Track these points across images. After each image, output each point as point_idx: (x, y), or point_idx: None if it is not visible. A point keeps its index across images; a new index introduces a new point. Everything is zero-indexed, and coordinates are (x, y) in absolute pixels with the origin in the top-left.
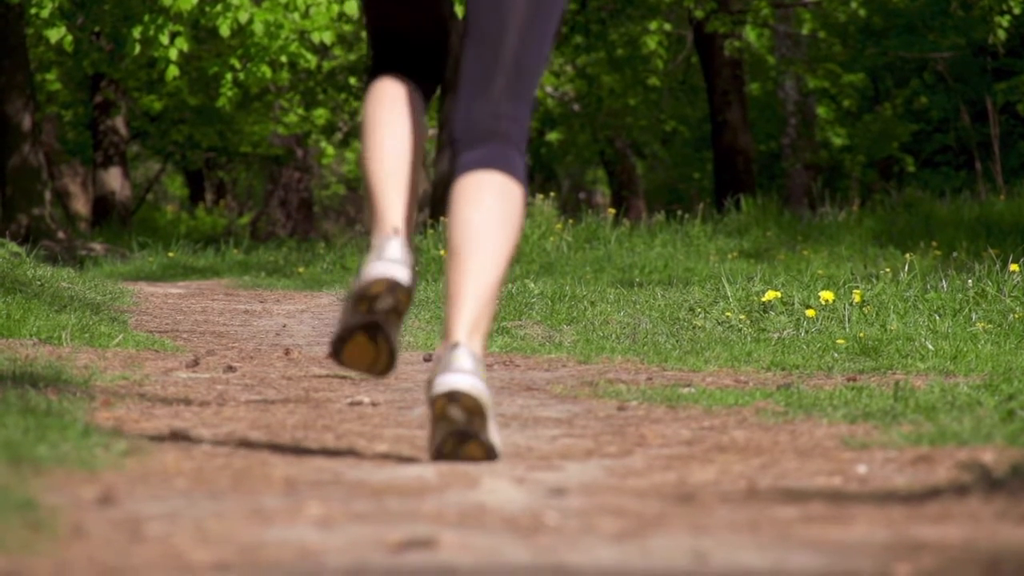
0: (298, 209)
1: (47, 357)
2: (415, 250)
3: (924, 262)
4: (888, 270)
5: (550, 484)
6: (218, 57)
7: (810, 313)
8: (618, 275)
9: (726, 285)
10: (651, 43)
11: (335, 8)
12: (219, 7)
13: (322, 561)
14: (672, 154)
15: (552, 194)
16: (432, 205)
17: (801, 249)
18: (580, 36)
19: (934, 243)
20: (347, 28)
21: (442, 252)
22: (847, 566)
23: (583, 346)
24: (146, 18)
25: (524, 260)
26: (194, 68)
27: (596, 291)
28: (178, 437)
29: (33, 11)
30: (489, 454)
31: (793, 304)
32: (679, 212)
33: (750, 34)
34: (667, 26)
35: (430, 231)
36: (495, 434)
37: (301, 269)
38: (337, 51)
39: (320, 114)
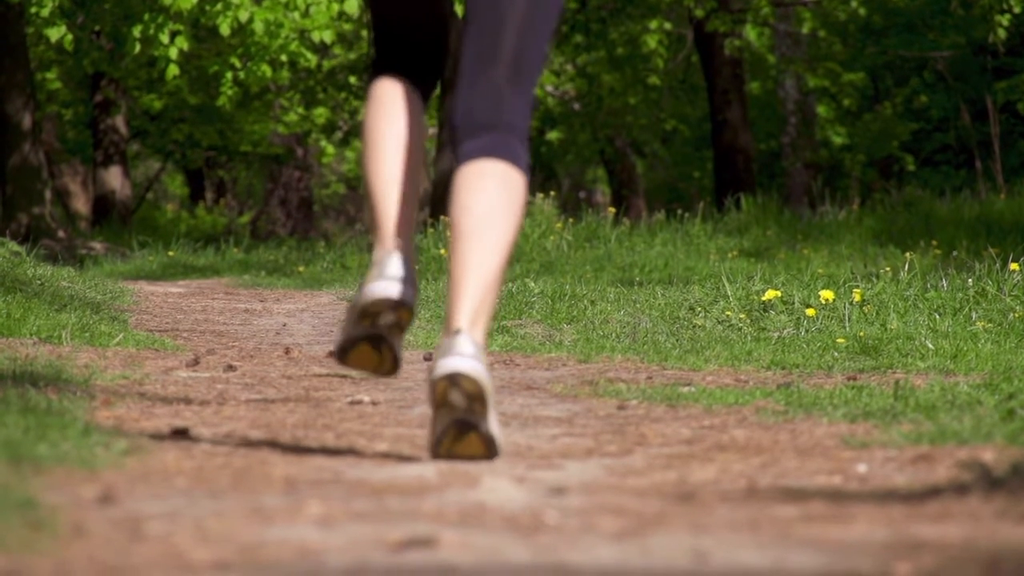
0: (298, 208)
1: (47, 356)
2: (416, 249)
3: (924, 261)
4: (888, 269)
5: (550, 483)
6: (218, 56)
7: (810, 312)
8: (618, 274)
9: (726, 284)
10: (651, 42)
11: (335, 7)
12: (219, 6)
13: (322, 560)
14: (672, 153)
15: (552, 193)
16: (432, 204)
17: (801, 248)
18: (580, 35)
19: (934, 242)
20: (347, 27)
21: (442, 251)
22: (847, 565)
23: (583, 345)
24: (146, 17)
25: (524, 259)
26: (194, 67)
27: (596, 290)
28: (178, 436)
29: (33, 10)
30: (489, 448)
31: (793, 303)
32: (679, 211)
33: (750, 33)
34: (667, 25)
35: (430, 230)
36: (495, 425)
37: (301, 268)
38: (337, 50)
39: (320, 113)
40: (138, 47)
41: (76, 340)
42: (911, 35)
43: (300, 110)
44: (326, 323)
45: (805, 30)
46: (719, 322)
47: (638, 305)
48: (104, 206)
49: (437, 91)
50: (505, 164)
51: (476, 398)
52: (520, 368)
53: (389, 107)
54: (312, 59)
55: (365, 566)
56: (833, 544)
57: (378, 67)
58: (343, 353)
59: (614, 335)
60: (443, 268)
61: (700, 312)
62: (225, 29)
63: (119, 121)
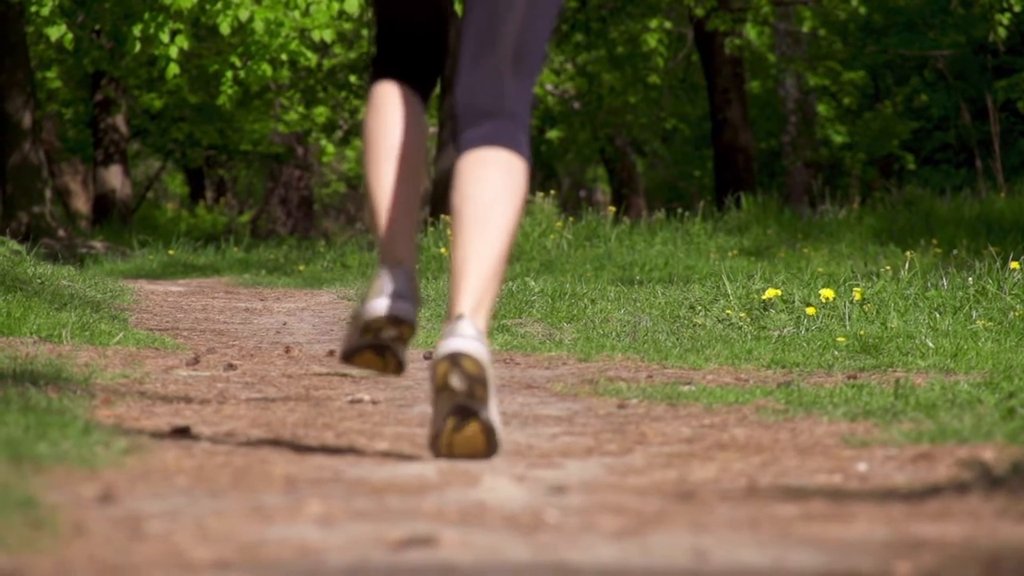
0: (298, 207)
1: (47, 355)
2: (416, 248)
3: (924, 260)
4: (888, 268)
5: (550, 482)
6: (218, 55)
7: (810, 311)
8: (618, 273)
9: (726, 283)
10: (651, 41)
11: (335, 6)
12: (219, 5)
13: (322, 559)
14: (672, 152)
15: (552, 192)
16: (432, 203)
17: (801, 247)
18: (580, 34)
19: (934, 241)
20: (347, 26)
21: (443, 250)
22: (847, 564)
23: (583, 344)
24: (146, 16)
25: (524, 258)
26: (194, 66)
27: (596, 289)
28: (178, 435)
29: (33, 9)
30: (489, 438)
31: (793, 302)
32: (679, 210)
33: (750, 32)
34: (667, 24)
35: (430, 229)
36: (496, 413)
37: (301, 267)
38: (337, 49)
39: (320, 112)
40: (138, 46)
41: (76, 339)
42: (911, 34)
43: (300, 109)
44: (326, 322)
45: (805, 29)
46: (719, 321)
47: (638, 304)
48: (104, 205)
49: (437, 90)
50: (507, 152)
51: (477, 380)
52: (520, 367)
53: (390, 115)
54: (312, 58)
55: (365, 565)
56: (833, 543)
57: (378, 65)
58: (347, 358)
59: (614, 334)
60: (443, 267)
61: (700, 311)
62: (225, 28)
63: (119, 120)
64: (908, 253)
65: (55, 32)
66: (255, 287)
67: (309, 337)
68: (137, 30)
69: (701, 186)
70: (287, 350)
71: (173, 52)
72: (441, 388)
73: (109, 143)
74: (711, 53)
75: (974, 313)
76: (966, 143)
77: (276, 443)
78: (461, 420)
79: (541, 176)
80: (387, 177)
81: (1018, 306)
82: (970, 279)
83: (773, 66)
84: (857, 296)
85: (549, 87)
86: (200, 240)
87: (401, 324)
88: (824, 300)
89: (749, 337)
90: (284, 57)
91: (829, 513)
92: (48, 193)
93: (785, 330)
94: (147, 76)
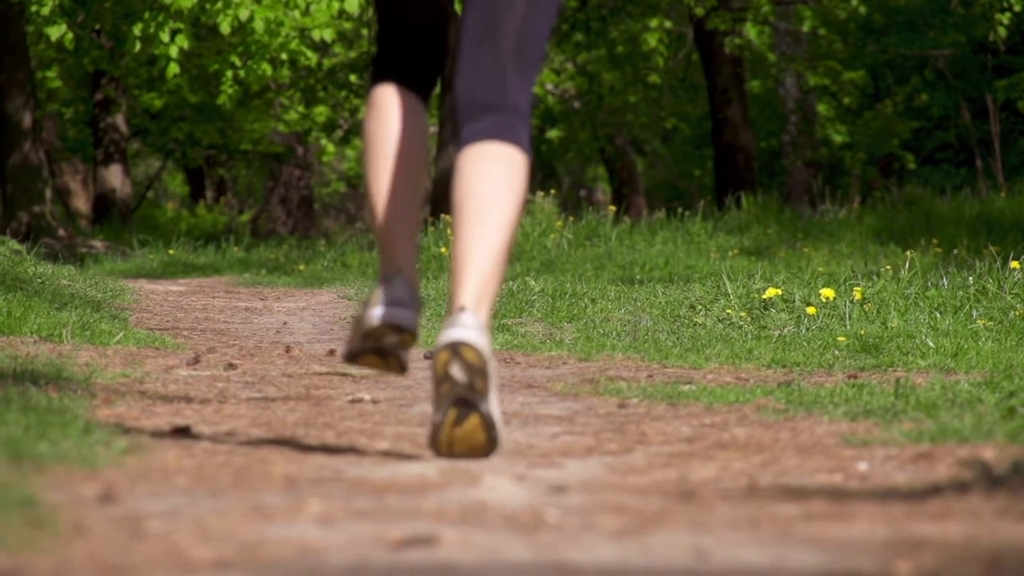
0: (298, 207)
1: (48, 355)
2: (417, 252)
3: (925, 259)
4: (889, 267)
5: (551, 481)
6: (218, 55)
7: (811, 310)
8: (619, 272)
9: (727, 282)
10: (652, 40)
11: (335, 5)
12: (219, 4)
13: (323, 558)
14: (673, 151)
15: (552, 192)
16: (432, 203)
17: (802, 246)
18: (580, 33)
19: (935, 240)
20: (347, 25)
21: (443, 250)
22: (848, 564)
23: (584, 343)
24: (146, 15)
25: (525, 257)
26: (194, 65)
27: (597, 288)
28: (179, 435)
29: (34, 8)
30: (490, 432)
31: (794, 301)
32: (680, 209)
33: (750, 31)
34: (667, 23)
35: (430, 228)
36: (496, 406)
37: (302, 267)
38: (337, 48)
39: (320, 111)
40: (138, 45)
41: (77, 338)
42: (911, 33)
43: (300, 108)
44: (327, 321)
45: (805, 28)
46: (720, 320)
47: (639, 303)
48: (104, 204)
49: (437, 90)
50: (508, 146)
51: (477, 371)
52: (521, 366)
53: (391, 121)
54: (312, 57)
55: (365, 564)
56: (834, 542)
57: (379, 65)
58: (350, 359)
59: (615, 333)
60: (443, 266)
61: (701, 310)
62: (225, 27)
63: (119, 119)
64: (908, 253)
65: (55, 32)
66: (255, 286)
67: (309, 336)
68: (137, 29)
69: (701, 185)
70: (287, 349)
71: (173, 51)
72: (442, 378)
73: (109, 143)
74: (711, 52)
75: (974, 312)
76: (966, 143)
77: (276, 442)
78: (462, 413)
79: (541, 176)
80: (388, 185)
81: (1018, 305)
82: (970, 278)
83: (773, 65)
84: (857, 296)
85: (549, 86)
86: (200, 240)
87: (402, 332)
88: (824, 300)
89: (749, 336)
90: (284, 56)
91: (830, 513)
92: (48, 193)
93: (785, 329)
94: (147, 76)
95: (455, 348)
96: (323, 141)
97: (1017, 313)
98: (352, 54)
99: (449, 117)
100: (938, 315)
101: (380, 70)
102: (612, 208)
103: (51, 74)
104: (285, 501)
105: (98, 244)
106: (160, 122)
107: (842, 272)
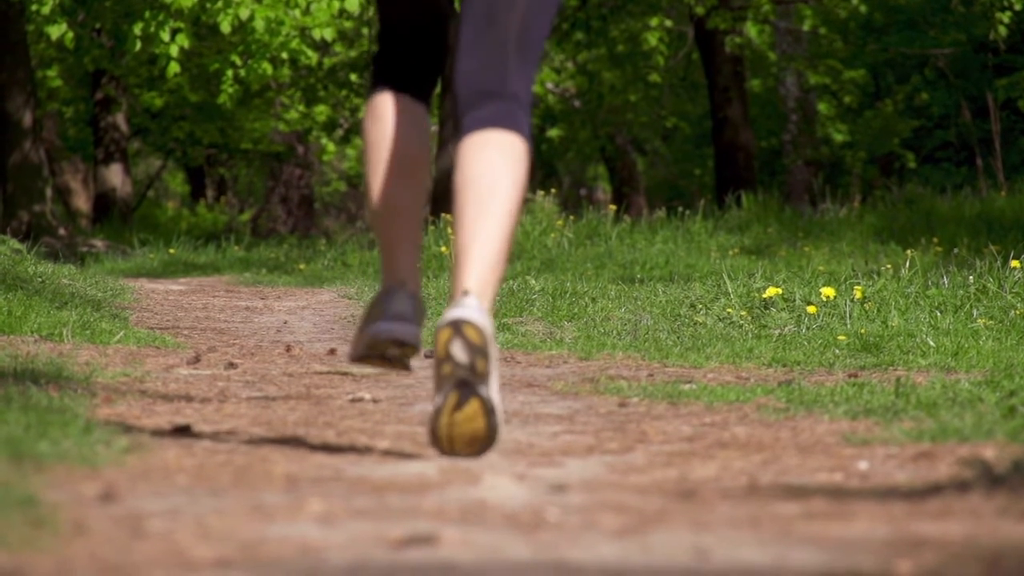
0: (299, 206)
1: (48, 354)
2: (420, 256)
3: (925, 258)
4: (889, 266)
5: (551, 480)
6: (219, 54)
7: (811, 309)
8: (619, 271)
9: (727, 281)
10: (652, 39)
11: (336, 4)
12: (220, 3)
13: (323, 557)
14: (673, 150)
15: (553, 190)
16: (433, 203)
17: (802, 245)
18: (581, 32)
19: (935, 239)
20: (348, 24)
21: (443, 249)
22: (848, 562)
23: (584, 342)
24: (147, 15)
25: (525, 256)
26: (195, 65)
27: (597, 287)
28: (179, 434)
29: (34, 8)
30: (490, 419)
31: (794, 300)
32: (680, 208)
33: (751, 30)
34: (668, 22)
35: (431, 227)
36: (496, 391)
37: (302, 266)
38: (338, 47)
39: (321, 111)
40: (139, 45)
41: (77, 338)
42: (912, 32)
43: (301, 108)
44: (327, 320)
45: (806, 27)
46: (720, 319)
47: (639, 302)
48: (105, 204)
49: (437, 89)
50: (509, 134)
51: (479, 351)
52: (521, 366)
53: (392, 129)
54: (313, 57)
55: (366, 564)
56: (834, 542)
57: (379, 64)
58: (354, 361)
59: (615, 332)
60: (444, 266)
61: (701, 309)
62: (226, 27)
63: (120, 119)
64: (909, 251)
65: (55, 31)
66: (256, 286)
67: (310, 336)
68: (138, 29)
69: (702, 184)
70: (288, 349)
71: (174, 51)
72: (443, 358)
73: (110, 142)
74: (712, 51)
75: (975, 311)
76: (967, 141)
77: (277, 442)
78: (462, 397)
79: (541, 175)
80: (390, 196)
81: (1019, 304)
82: (971, 277)
83: (774, 64)
84: (858, 294)
85: (549, 85)
86: (201, 239)
87: (404, 347)
88: (825, 298)
89: (750, 335)
90: (284, 56)
91: (830, 512)
92: (49, 192)
93: (786, 328)
94: (148, 75)
95: (457, 326)
96: (324, 140)
97: (1018, 312)
98: (353, 53)
99: (449, 116)
100: (938, 314)
101: (380, 70)
102: (612, 207)
103: (51, 73)
104: (286, 500)
105: (98, 243)
106: (160, 121)
107: (842, 271)
